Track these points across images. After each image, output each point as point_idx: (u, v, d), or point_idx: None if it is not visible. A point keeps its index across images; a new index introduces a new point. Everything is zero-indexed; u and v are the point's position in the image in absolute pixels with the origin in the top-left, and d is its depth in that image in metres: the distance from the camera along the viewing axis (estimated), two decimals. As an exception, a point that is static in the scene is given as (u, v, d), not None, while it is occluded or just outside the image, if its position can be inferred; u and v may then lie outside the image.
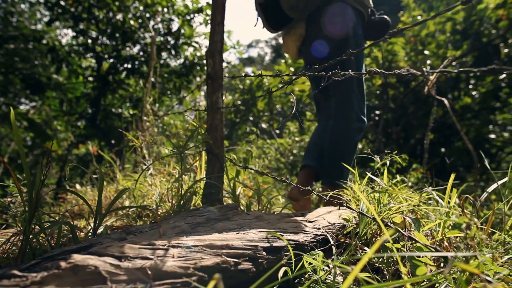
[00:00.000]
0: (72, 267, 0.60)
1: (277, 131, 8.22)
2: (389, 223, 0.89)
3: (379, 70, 0.72)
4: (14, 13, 8.87)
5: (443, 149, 8.12)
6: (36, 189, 0.85)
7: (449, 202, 1.25)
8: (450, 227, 1.22)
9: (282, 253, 0.91)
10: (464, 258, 0.67)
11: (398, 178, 1.70)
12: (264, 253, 0.85)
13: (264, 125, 8.50)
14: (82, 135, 7.47)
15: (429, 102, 7.45)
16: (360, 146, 7.58)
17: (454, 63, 6.84)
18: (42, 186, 0.91)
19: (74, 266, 0.60)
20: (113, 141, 7.31)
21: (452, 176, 1.22)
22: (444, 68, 0.58)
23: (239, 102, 8.24)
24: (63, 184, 7.78)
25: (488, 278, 0.52)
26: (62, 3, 6.78)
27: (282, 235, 0.96)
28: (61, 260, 0.72)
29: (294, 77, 1.21)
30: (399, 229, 0.79)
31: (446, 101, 0.57)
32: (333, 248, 0.88)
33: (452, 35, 7.15)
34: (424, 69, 0.61)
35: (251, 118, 8.39)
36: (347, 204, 0.95)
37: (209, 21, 7.10)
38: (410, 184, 3.55)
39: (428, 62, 6.95)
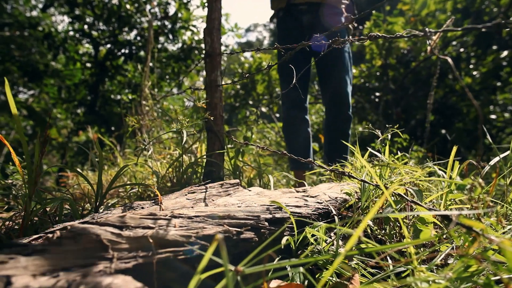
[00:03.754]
0: (73, 235, 0.60)
1: (277, 115, 8.19)
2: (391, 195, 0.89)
3: (380, 34, 0.70)
4: (8, 0, 8.74)
5: (443, 130, 8.11)
6: (35, 165, 0.84)
7: (451, 175, 1.24)
8: (453, 200, 1.21)
9: (285, 224, 0.91)
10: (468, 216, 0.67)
11: (400, 154, 1.69)
12: (266, 223, 0.84)
13: (264, 109, 8.47)
14: (81, 122, 7.45)
15: (430, 82, 7.40)
16: (360, 128, 7.57)
17: (454, 42, 6.77)
18: (41, 165, 0.90)
19: (76, 235, 0.60)
20: (113, 128, 7.29)
21: (454, 148, 1.21)
22: (447, 28, 0.56)
23: (238, 87, 8.19)
24: (64, 171, 7.80)
25: (492, 237, 0.51)
26: (57, -12, 6.69)
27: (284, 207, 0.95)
28: (63, 230, 0.72)
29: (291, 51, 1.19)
30: (402, 194, 0.78)
31: (449, 60, 0.55)
32: (336, 218, 0.88)
33: (453, 14, 7.04)
34: (426, 29, 0.59)
35: (250, 102, 8.35)
36: (349, 174, 0.94)
37: (206, 4, 6.98)
38: (411, 162, 3.55)
39: (429, 42, 6.88)
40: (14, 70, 8.63)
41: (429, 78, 7.10)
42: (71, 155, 8.90)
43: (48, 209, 0.97)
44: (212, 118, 1.54)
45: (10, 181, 1.60)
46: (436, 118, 7.98)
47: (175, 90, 7.52)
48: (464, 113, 7.74)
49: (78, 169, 3.56)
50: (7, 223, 1.18)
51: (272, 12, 2.49)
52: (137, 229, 0.66)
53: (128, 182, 2.08)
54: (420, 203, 0.73)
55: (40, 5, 9.38)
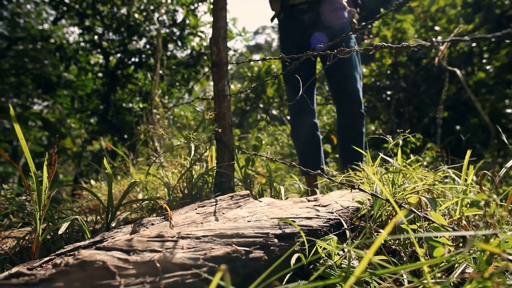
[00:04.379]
0: (80, 263, 0.59)
1: (288, 117, 8.16)
2: (403, 204, 0.86)
3: (386, 44, 0.69)
4: (21, 14, 8.93)
5: (458, 127, 7.97)
6: (44, 187, 0.84)
7: (466, 180, 1.21)
8: (468, 205, 1.18)
9: (295, 239, 0.89)
10: (484, 237, 0.64)
11: (412, 157, 1.66)
12: (275, 240, 0.83)
13: (274, 112, 8.46)
14: (95, 131, 7.55)
15: (442, 79, 7.28)
16: (373, 127, 7.49)
17: (466, 37, 6.64)
18: (52, 184, 0.91)
19: (82, 262, 0.59)
20: (125, 136, 7.37)
21: (468, 152, 1.18)
22: (455, 38, 0.54)
23: (248, 91, 8.20)
24: (79, 180, 7.92)
25: (510, 257, 0.49)
26: (67, 0, 6.79)
27: (294, 221, 0.94)
28: (70, 256, 0.72)
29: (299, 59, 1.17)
30: (414, 209, 0.76)
31: (458, 72, 0.54)
32: (347, 232, 0.86)
33: (463, 9, 6.93)
34: (433, 39, 0.57)
35: (261, 106, 8.35)
36: (359, 187, 0.92)
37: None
38: (425, 163, 3.49)
39: (439, 38, 6.76)
40: (28, 82, 8.81)
41: (440, 74, 6.99)
42: (86, 164, 9.03)
43: (59, 227, 0.98)
44: (220, 130, 1.54)
45: (24, 197, 1.62)
46: (450, 114, 7.84)
47: (185, 96, 7.56)
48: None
49: (92, 180, 3.59)
50: (21, 241, 1.19)
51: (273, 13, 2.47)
52: (145, 253, 0.66)
53: (139, 196, 2.09)
54: (433, 219, 0.70)
55: (51, 18, 9.56)
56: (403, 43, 0.62)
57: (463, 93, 7.66)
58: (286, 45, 2.37)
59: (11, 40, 8.24)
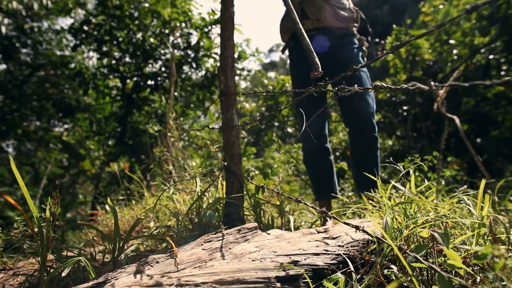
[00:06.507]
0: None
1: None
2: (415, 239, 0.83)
3: (385, 85, 0.67)
4: (43, 42, 9.28)
5: (478, 139, 7.77)
6: (47, 228, 0.85)
7: (481, 208, 1.16)
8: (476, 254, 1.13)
9: (300, 281, 0.87)
10: None
11: (426, 183, 1.61)
12: (278, 284, 0.80)
13: (290, 129, 8.45)
14: (112, 153, 7.68)
15: (459, 92, 7.15)
16: (390, 142, 7.38)
17: (483, 50, 6.54)
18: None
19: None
20: (142, 156, 7.44)
21: (483, 181, 1.13)
22: (454, 82, 0.52)
23: (263, 109, 8.25)
24: (97, 201, 8.02)
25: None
26: (85, 28, 7.02)
27: (299, 261, 0.91)
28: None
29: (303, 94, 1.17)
30: (419, 257, 0.72)
31: (457, 120, 0.51)
32: (353, 275, 0.83)
33: (478, 22, 6.84)
34: (432, 83, 0.56)
35: (276, 124, 8.36)
36: (366, 223, 0.89)
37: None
38: (443, 182, 3.39)
39: (455, 51, 6.68)
40: (49, 107, 9.08)
41: (458, 89, 6.87)
42: (104, 185, 9.16)
43: (64, 271, 0.98)
44: (229, 159, 1.53)
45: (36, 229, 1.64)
46: (470, 127, 7.66)
47: (201, 117, 7.64)
48: (500, 121, 7.40)
49: (106, 206, 3.62)
50: (30, 278, 1.20)
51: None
52: (141, 305, 0.65)
53: (151, 224, 2.09)
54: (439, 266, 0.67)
55: (71, 44, 9.90)
56: (402, 85, 0.60)
57: (482, 106, 7.49)
58: (296, 73, 2.36)
59: (33, 67, 8.55)
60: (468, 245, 1.12)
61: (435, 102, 0.54)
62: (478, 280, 0.93)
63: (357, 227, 0.81)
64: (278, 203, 2.21)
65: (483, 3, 0.62)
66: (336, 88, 0.88)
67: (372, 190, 1.58)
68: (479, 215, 1.11)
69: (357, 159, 2.21)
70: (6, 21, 7.69)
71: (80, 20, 7.90)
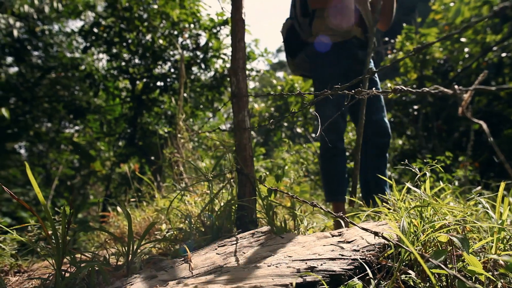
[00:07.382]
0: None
1: (313, 135, 8.10)
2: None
3: (405, 88, 0.66)
4: (54, 45, 9.38)
5: (491, 139, 7.64)
6: (63, 234, 0.85)
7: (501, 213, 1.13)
8: (505, 241, 1.11)
9: (317, 287, 0.85)
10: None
11: (442, 184, 1.58)
12: (296, 291, 0.79)
13: (299, 130, 8.42)
14: (122, 154, 7.73)
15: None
16: (400, 142, 7.30)
17: (495, 48, 6.44)
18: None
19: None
20: (152, 157, 7.50)
21: (502, 184, 1.11)
22: (479, 86, 0.51)
23: (272, 109, 8.24)
24: (108, 202, 8.08)
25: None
26: (95, 30, 7.08)
27: (315, 267, 0.90)
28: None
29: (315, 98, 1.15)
30: (442, 265, 0.71)
31: (484, 125, 0.50)
32: (372, 281, 0.81)
33: (490, 19, 6.73)
34: (456, 86, 0.54)
35: (285, 124, 8.34)
36: (384, 229, 0.87)
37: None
38: (456, 183, 3.35)
39: (466, 50, 6.58)
40: (60, 108, 9.18)
41: (470, 86, 6.77)
42: (115, 186, 9.23)
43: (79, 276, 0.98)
44: (241, 161, 1.52)
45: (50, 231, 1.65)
46: (482, 127, 7.52)
47: (210, 117, 7.65)
48: (513, 119, 7.28)
49: (118, 207, 3.64)
50: (45, 282, 1.21)
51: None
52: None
53: (163, 226, 2.09)
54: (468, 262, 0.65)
55: (81, 46, 10.00)
56: (423, 88, 0.59)
57: (495, 104, 7.38)
58: (330, 73, 2.32)
59: (44, 69, 8.65)
60: (488, 249, 1.10)
61: (460, 107, 0.53)
62: (499, 286, 0.91)
63: (376, 233, 0.79)
64: (289, 204, 2.20)
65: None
66: (353, 91, 0.86)
67: (386, 193, 1.57)
68: (498, 219, 1.08)
69: (370, 165, 2.22)
70: (18, 24, 7.79)
71: (90, 23, 7.98)
